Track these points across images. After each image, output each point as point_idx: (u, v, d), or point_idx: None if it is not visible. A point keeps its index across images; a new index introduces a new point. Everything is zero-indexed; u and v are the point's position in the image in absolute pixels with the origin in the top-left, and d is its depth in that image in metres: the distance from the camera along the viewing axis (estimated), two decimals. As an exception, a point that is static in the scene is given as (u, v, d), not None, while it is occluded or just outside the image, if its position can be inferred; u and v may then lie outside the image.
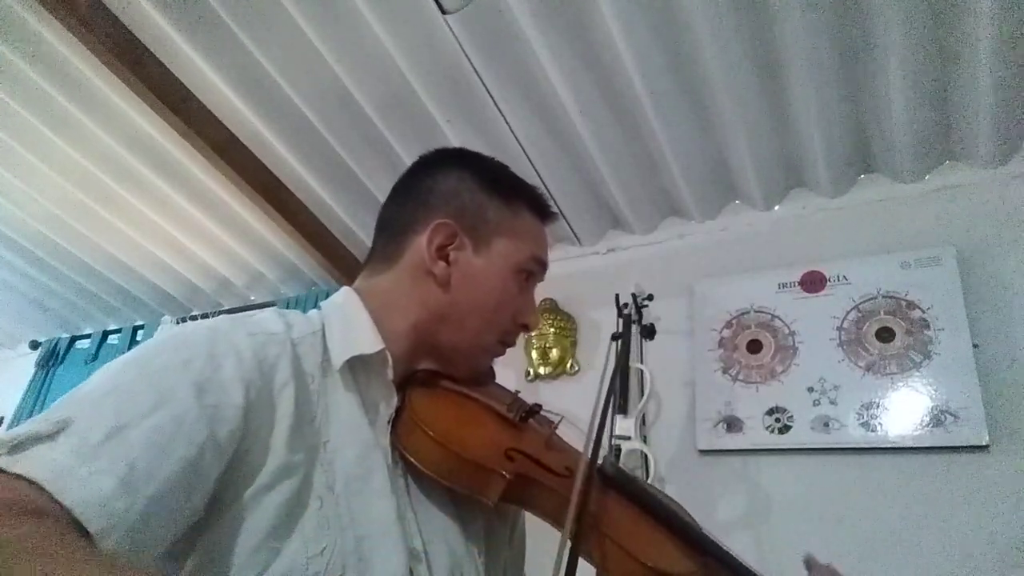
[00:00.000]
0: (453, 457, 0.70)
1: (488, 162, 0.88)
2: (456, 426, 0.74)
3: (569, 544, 0.62)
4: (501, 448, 0.74)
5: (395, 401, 0.75)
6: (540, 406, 0.87)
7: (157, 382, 0.57)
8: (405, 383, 0.79)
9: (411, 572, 0.67)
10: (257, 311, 0.74)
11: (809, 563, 0.85)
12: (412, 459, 0.72)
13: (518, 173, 0.88)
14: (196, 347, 0.61)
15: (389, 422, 0.74)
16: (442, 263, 0.79)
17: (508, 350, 0.86)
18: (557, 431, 0.87)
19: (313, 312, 0.79)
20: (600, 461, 0.80)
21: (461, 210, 0.81)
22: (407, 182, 0.87)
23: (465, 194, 0.82)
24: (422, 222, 0.80)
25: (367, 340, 0.74)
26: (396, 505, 0.69)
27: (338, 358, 0.72)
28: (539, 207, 0.86)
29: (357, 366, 0.73)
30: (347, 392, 0.72)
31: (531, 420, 0.84)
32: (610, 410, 0.81)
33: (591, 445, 0.75)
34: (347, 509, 0.65)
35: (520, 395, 0.89)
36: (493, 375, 0.89)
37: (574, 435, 0.86)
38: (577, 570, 0.58)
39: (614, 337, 0.88)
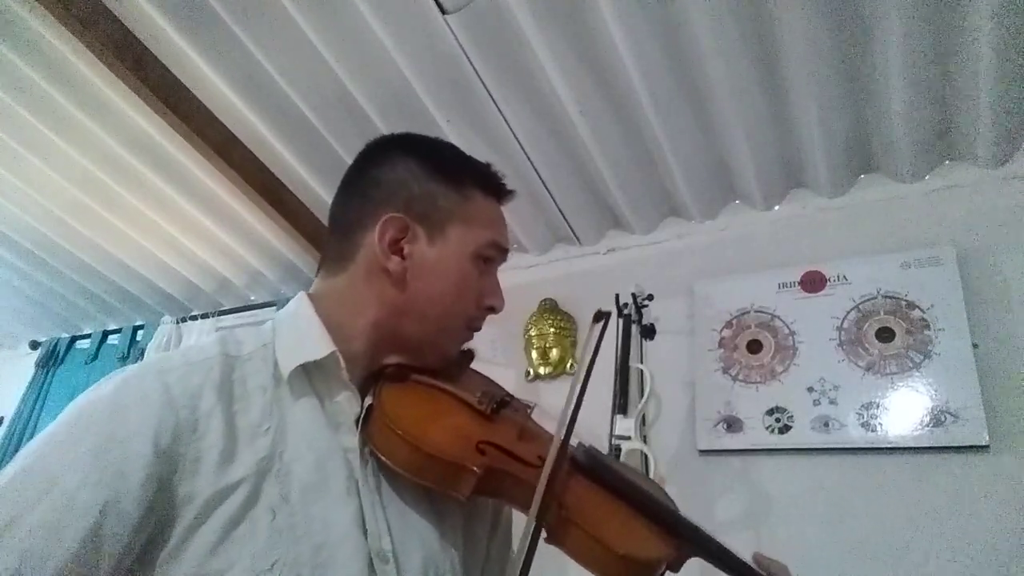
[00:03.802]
0: (421, 454, 0.69)
1: (435, 145, 0.86)
2: (424, 422, 0.73)
3: (532, 530, 0.61)
4: (472, 442, 0.73)
5: (358, 401, 0.74)
6: (512, 396, 0.86)
7: (52, 462, 0.59)
8: (376, 379, 0.77)
9: (375, 574, 0.66)
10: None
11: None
12: (383, 457, 0.71)
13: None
14: (96, 411, 0.62)
15: (357, 422, 0.73)
16: (396, 258, 0.77)
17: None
18: (533, 419, 0.85)
19: (267, 324, 0.79)
20: (574, 449, 0.79)
21: (410, 201, 0.78)
22: (353, 177, 0.85)
23: (413, 184, 0.79)
24: (371, 217, 0.78)
25: (314, 346, 0.73)
26: (357, 508, 0.68)
27: (285, 368, 0.71)
28: (492, 187, 0.83)
29: (313, 372, 0.73)
30: (302, 399, 0.71)
31: (504, 410, 0.82)
32: (584, 396, 0.79)
33: (562, 433, 0.74)
34: (304, 518, 0.65)
35: (493, 382, 0.87)
36: (471, 358, 0.87)
37: (549, 425, 0.84)
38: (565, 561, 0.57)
39: (596, 318, 0.83)
